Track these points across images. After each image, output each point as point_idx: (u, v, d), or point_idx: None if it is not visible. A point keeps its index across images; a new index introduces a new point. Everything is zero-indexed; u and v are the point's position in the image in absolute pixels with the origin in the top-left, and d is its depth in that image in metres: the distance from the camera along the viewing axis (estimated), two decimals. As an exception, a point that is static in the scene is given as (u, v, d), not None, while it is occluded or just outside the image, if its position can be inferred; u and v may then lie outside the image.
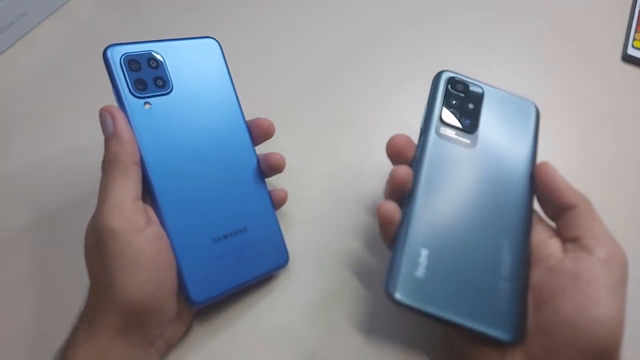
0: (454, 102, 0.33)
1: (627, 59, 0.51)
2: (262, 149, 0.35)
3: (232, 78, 0.35)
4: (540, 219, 0.31)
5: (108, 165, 0.29)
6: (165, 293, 0.29)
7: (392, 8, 0.55)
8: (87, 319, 0.28)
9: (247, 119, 0.35)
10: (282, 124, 0.36)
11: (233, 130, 0.34)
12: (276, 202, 0.35)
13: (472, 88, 0.33)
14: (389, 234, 0.29)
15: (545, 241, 0.29)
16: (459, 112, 0.32)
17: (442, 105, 0.32)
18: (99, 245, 0.27)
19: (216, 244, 0.31)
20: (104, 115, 0.29)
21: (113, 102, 0.31)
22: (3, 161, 0.42)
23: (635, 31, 0.52)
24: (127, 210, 0.27)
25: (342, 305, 0.35)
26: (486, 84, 0.34)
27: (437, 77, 0.33)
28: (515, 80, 0.47)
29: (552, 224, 0.30)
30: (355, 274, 0.37)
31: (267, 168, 0.34)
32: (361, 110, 0.46)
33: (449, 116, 0.32)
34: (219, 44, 0.35)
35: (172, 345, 0.32)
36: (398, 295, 0.26)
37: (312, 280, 0.36)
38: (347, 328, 0.34)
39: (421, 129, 0.32)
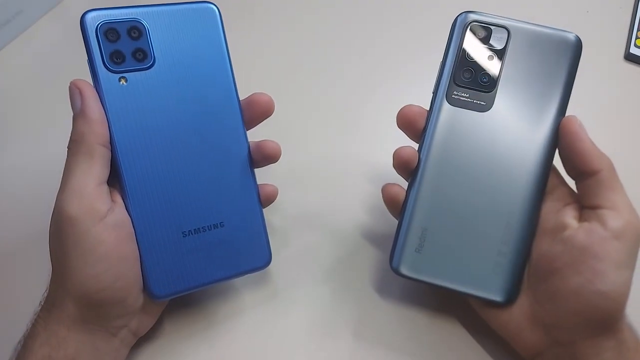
0: (471, 55, 0.29)
1: (629, 58, 0.50)
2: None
3: (230, 53, 0.31)
4: (560, 184, 0.30)
5: (73, 145, 0.27)
6: (125, 284, 0.27)
7: (391, 7, 0.54)
8: (47, 306, 0.27)
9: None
10: (279, 117, 0.34)
11: (223, 112, 0.30)
12: (264, 198, 0.32)
13: (495, 32, 0.29)
14: (396, 211, 0.31)
15: (561, 209, 0.29)
16: (475, 67, 0.29)
17: (456, 62, 0.29)
18: (57, 231, 0.26)
19: (185, 238, 0.30)
20: (73, 91, 0.27)
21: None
22: None
23: (638, 30, 0.51)
24: (88, 196, 0.26)
25: (340, 305, 0.34)
26: (517, 22, 0.30)
27: (454, 24, 0.30)
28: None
29: (572, 183, 0.29)
30: (355, 272, 0.36)
31: (260, 157, 0.31)
32: (359, 105, 0.45)
33: (462, 76, 0.29)
34: (218, 11, 0.30)
35: (139, 335, 0.30)
36: (399, 269, 0.30)
37: (311, 280, 0.35)
38: (346, 331, 0.33)
39: (433, 92, 0.30)
